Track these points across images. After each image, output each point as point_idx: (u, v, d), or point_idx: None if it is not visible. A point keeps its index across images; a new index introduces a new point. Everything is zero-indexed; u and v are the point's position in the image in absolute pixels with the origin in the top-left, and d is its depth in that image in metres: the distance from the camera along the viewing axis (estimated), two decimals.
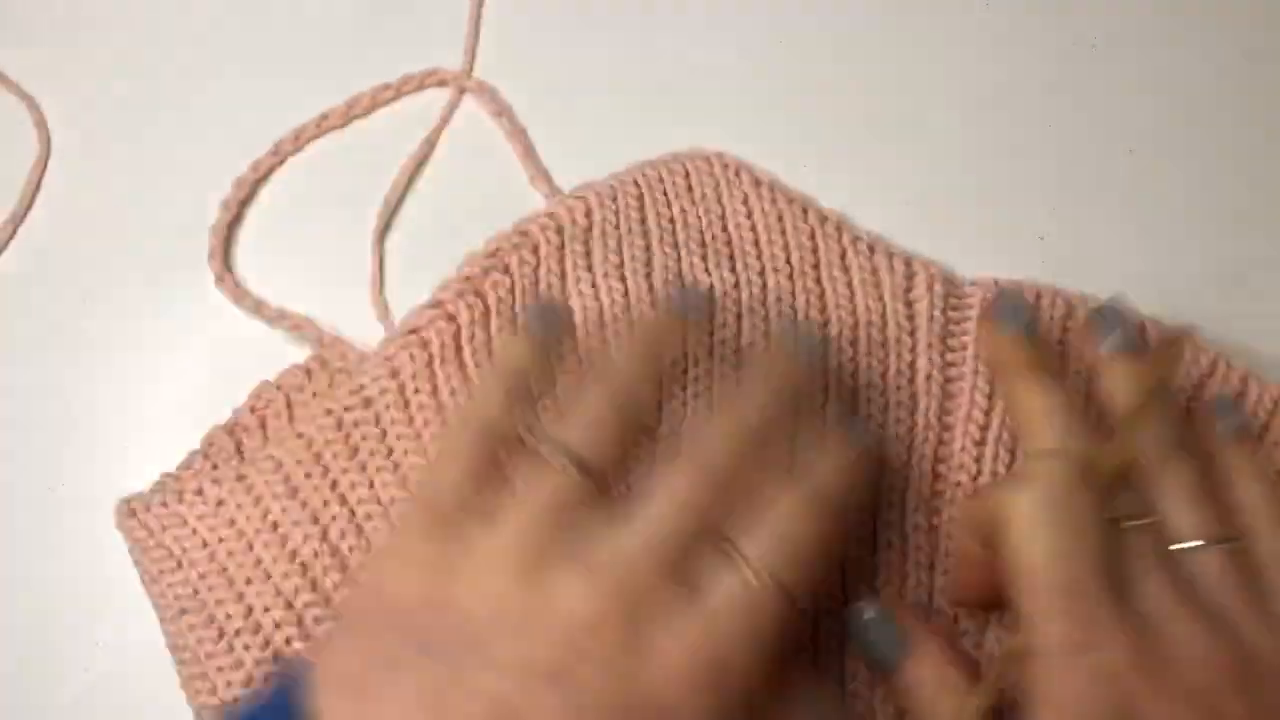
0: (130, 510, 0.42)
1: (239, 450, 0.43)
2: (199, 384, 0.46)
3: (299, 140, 0.49)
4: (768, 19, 0.51)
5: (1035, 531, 0.34)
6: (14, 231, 0.49)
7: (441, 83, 0.49)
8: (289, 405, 0.44)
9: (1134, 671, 0.32)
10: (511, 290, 0.44)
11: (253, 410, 0.44)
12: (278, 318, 0.46)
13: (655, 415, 0.41)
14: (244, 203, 0.48)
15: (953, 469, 0.42)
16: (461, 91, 0.49)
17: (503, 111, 0.49)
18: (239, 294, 0.46)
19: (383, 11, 0.51)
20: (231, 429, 0.44)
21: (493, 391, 0.37)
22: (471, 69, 0.50)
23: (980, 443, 0.42)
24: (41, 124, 0.50)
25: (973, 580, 0.39)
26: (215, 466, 0.43)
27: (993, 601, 0.38)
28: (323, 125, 0.49)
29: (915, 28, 0.50)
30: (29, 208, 0.49)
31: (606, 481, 0.35)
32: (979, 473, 0.42)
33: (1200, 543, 0.35)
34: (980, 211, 0.48)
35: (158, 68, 0.51)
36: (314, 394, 0.44)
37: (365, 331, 0.46)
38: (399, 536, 0.36)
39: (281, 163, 0.49)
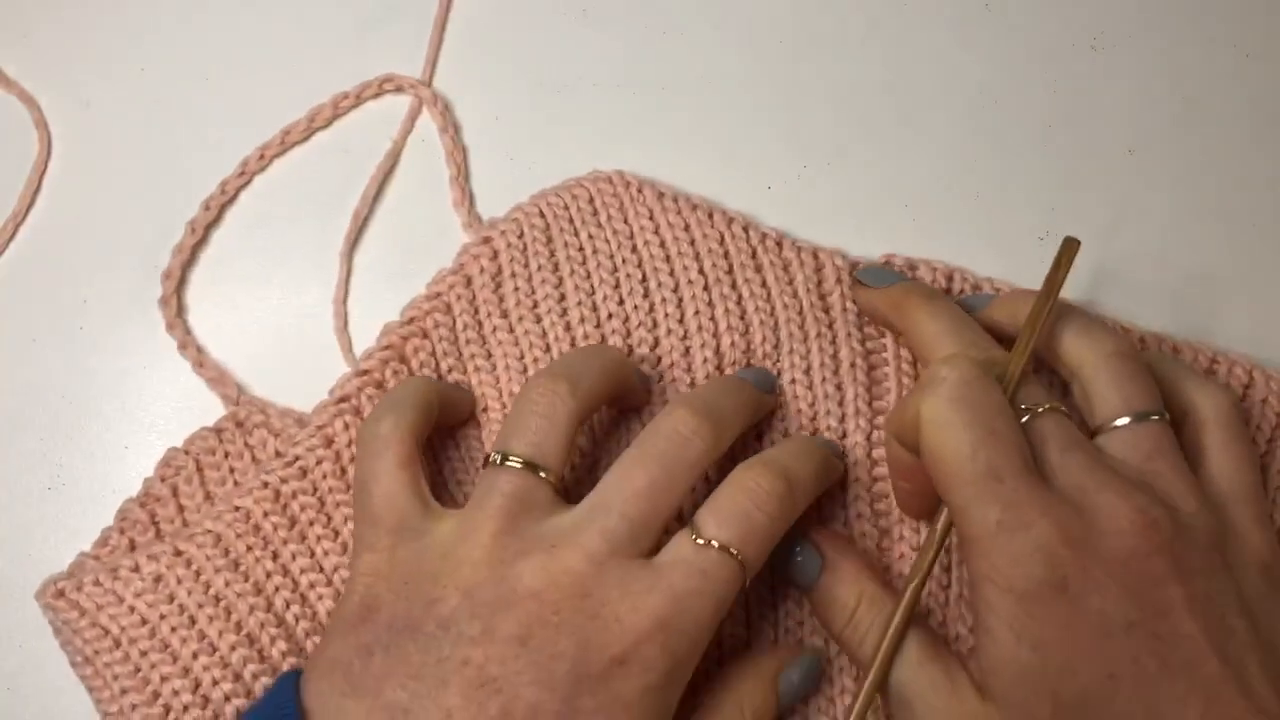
0: (58, 591, 0.41)
1: (154, 522, 0.43)
2: (198, 383, 0.46)
3: (264, 158, 0.49)
4: (766, 22, 0.51)
5: (949, 428, 0.36)
6: (14, 231, 0.49)
7: (399, 89, 0.49)
8: (200, 470, 0.44)
9: (1062, 544, 0.35)
10: (432, 354, 0.44)
11: (163, 479, 0.44)
12: (212, 374, 0.46)
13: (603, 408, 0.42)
14: (210, 226, 0.48)
15: None
16: (420, 100, 0.49)
17: (449, 128, 0.49)
18: (186, 341, 0.46)
19: (362, 22, 0.51)
20: (144, 500, 0.44)
21: (409, 395, 0.40)
22: (431, 77, 0.50)
23: None
24: (41, 124, 0.50)
25: (910, 487, 0.40)
26: (133, 542, 0.43)
27: (934, 505, 0.40)
28: (286, 140, 0.49)
29: (915, 28, 0.50)
30: (29, 208, 0.49)
31: (559, 476, 0.38)
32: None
33: (1127, 420, 0.38)
34: (980, 211, 0.48)
35: (158, 68, 0.51)
36: (226, 455, 0.44)
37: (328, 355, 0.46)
38: (369, 549, 0.38)
39: (248, 183, 0.49)
